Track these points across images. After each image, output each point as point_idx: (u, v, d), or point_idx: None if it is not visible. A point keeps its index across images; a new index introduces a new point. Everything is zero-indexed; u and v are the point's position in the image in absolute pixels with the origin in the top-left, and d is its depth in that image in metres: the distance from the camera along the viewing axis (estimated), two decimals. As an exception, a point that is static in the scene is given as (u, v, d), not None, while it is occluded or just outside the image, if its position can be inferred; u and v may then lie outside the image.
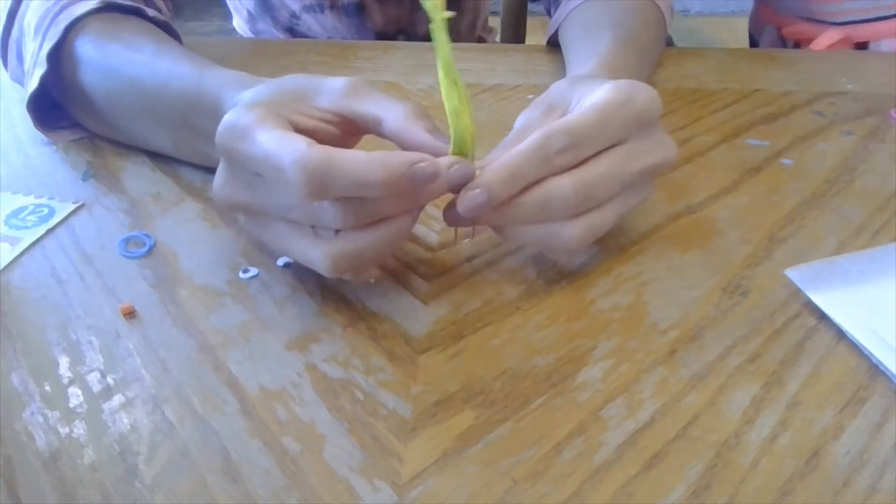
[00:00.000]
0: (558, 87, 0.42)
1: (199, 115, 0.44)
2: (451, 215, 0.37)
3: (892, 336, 0.35)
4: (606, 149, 0.37)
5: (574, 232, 0.37)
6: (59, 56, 0.50)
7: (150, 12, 0.54)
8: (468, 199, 0.36)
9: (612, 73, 0.47)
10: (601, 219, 0.38)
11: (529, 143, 0.36)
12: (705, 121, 0.56)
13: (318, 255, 0.35)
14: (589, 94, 0.39)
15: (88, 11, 0.51)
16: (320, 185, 0.32)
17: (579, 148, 0.36)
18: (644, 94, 0.38)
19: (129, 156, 0.51)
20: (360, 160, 0.33)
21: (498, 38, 0.99)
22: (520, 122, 0.41)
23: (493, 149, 0.39)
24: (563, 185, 0.36)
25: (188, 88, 0.45)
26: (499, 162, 0.36)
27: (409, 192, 0.34)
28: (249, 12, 0.82)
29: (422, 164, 0.34)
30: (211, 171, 0.38)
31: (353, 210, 0.34)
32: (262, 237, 0.38)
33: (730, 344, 0.36)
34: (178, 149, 0.50)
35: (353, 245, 0.35)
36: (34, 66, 0.50)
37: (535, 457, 0.31)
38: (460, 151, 0.36)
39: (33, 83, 0.49)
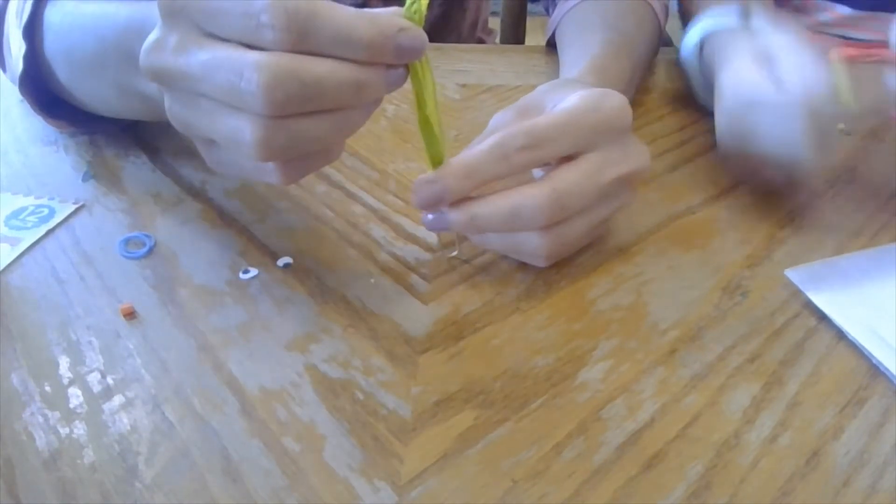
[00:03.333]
0: (538, 90, 0.42)
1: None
2: (427, 221, 0.38)
3: (892, 336, 0.35)
4: (578, 158, 0.37)
5: (543, 240, 0.37)
6: (34, 31, 0.48)
7: None
8: (424, 192, 0.36)
9: (602, 75, 0.47)
10: (572, 231, 0.38)
11: (489, 141, 0.36)
12: (705, 121, 0.56)
13: (253, 64, 0.30)
14: (563, 99, 0.39)
15: None
16: (301, 30, 0.29)
17: (538, 149, 0.36)
18: (613, 102, 0.38)
19: (128, 156, 0.51)
20: (347, 12, 0.30)
21: (498, 40, 0.99)
22: (493, 121, 0.41)
23: (465, 147, 0.39)
24: (534, 196, 0.36)
25: (134, 16, 0.40)
26: (457, 158, 0.37)
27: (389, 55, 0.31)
28: None
29: (413, 31, 0.31)
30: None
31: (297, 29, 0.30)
32: (188, 115, 0.34)
33: (730, 344, 0.36)
34: (122, 97, 0.45)
35: (297, 63, 0.30)
36: (19, 50, 0.50)
37: (535, 457, 0.31)
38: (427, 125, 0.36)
39: (19, 66, 0.49)
